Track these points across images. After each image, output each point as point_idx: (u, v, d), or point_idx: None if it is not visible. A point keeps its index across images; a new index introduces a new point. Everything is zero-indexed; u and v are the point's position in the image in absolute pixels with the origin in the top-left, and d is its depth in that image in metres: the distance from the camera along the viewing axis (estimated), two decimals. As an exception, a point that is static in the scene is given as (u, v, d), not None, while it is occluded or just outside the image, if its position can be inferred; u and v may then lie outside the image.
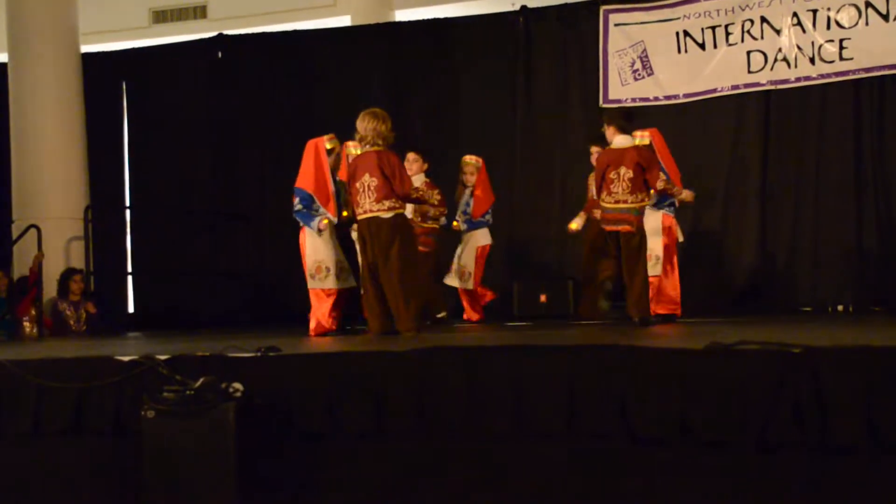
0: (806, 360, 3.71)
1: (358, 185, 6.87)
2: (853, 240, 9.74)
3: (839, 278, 9.77)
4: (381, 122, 6.90)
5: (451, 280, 8.91)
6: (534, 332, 7.23)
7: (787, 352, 3.78)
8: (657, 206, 8.05)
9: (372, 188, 6.79)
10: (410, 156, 8.54)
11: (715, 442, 3.79)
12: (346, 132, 7.90)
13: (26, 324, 9.52)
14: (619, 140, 7.45)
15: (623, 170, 7.32)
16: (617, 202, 7.33)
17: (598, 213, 7.80)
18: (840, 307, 9.73)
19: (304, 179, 7.26)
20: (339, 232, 7.48)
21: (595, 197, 7.68)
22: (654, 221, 8.03)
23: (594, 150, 8.30)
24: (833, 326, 6.62)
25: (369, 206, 6.81)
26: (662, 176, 7.71)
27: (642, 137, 7.79)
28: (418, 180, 8.33)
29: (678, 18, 10.32)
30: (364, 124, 6.92)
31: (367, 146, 6.92)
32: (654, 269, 7.87)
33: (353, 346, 5.37)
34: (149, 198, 12.21)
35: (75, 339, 8.76)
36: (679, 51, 10.32)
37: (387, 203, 6.79)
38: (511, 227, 10.53)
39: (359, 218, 6.92)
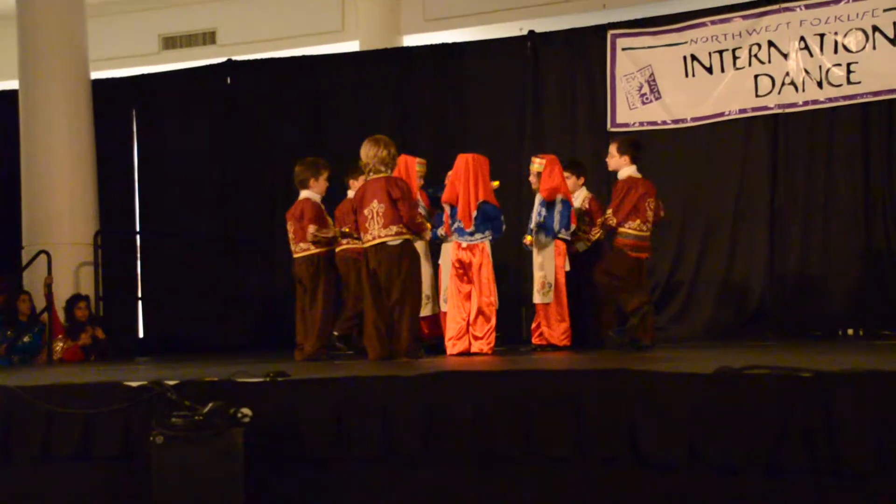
0: (816, 385, 3.69)
1: (366, 211, 6.86)
2: (863, 264, 9.71)
3: (849, 302, 9.72)
4: (382, 147, 6.89)
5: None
6: (542, 356, 7.23)
7: (797, 376, 3.76)
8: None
9: (380, 214, 6.79)
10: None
11: (724, 467, 3.77)
12: (354, 157, 7.94)
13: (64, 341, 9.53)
14: (633, 170, 7.59)
15: (651, 201, 7.51)
16: (648, 230, 7.55)
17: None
18: (850, 331, 9.68)
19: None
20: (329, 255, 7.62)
21: (613, 222, 7.63)
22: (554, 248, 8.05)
23: (566, 174, 8.36)
24: (843, 351, 6.60)
25: (377, 231, 6.80)
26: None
27: (540, 164, 8.12)
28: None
29: (685, 42, 10.35)
30: (365, 151, 6.94)
31: (372, 173, 6.93)
32: (546, 296, 7.90)
33: (361, 372, 5.36)
34: (158, 223, 12.25)
35: (83, 364, 8.77)
36: (686, 75, 10.35)
37: (394, 228, 6.79)
38: (520, 251, 10.51)
39: (367, 244, 6.92)
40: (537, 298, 7.94)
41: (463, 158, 7.64)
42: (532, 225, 8.09)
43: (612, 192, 7.77)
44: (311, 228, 7.40)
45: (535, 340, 8.07)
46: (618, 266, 7.61)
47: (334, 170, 7.97)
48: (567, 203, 7.98)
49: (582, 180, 8.56)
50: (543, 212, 7.95)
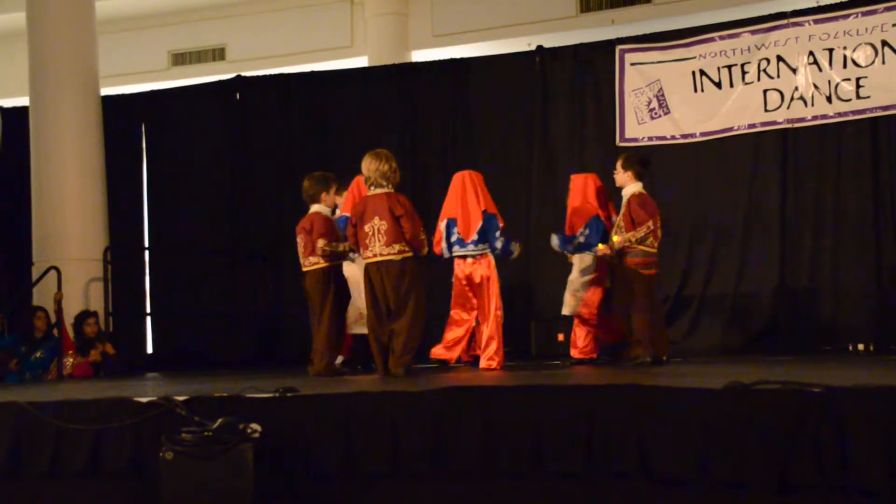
0: (826, 401, 3.68)
1: (367, 227, 6.85)
2: (873, 278, 9.67)
3: (859, 317, 9.68)
4: (383, 161, 6.87)
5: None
6: (551, 371, 7.22)
7: (808, 391, 3.75)
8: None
9: (382, 231, 6.77)
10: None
11: (734, 482, 3.76)
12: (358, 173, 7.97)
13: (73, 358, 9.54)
14: (640, 186, 7.61)
15: (657, 219, 7.58)
16: (655, 247, 7.62)
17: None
18: (861, 346, 9.64)
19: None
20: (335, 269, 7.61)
21: (635, 241, 7.64)
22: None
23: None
24: (853, 366, 6.58)
25: (379, 249, 6.79)
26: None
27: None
28: None
29: (694, 58, 10.35)
30: (367, 165, 6.92)
31: (374, 187, 6.92)
32: (573, 309, 8.09)
33: (370, 387, 5.36)
34: (167, 239, 12.27)
35: (92, 380, 8.79)
36: (695, 90, 10.34)
37: (396, 247, 6.78)
38: (528, 266, 10.52)
39: (367, 261, 6.91)
40: (566, 311, 8.04)
41: (459, 176, 7.72)
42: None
43: (631, 210, 7.63)
44: (320, 242, 7.42)
45: (573, 354, 8.17)
46: (636, 285, 7.57)
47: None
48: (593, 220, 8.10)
49: None
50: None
